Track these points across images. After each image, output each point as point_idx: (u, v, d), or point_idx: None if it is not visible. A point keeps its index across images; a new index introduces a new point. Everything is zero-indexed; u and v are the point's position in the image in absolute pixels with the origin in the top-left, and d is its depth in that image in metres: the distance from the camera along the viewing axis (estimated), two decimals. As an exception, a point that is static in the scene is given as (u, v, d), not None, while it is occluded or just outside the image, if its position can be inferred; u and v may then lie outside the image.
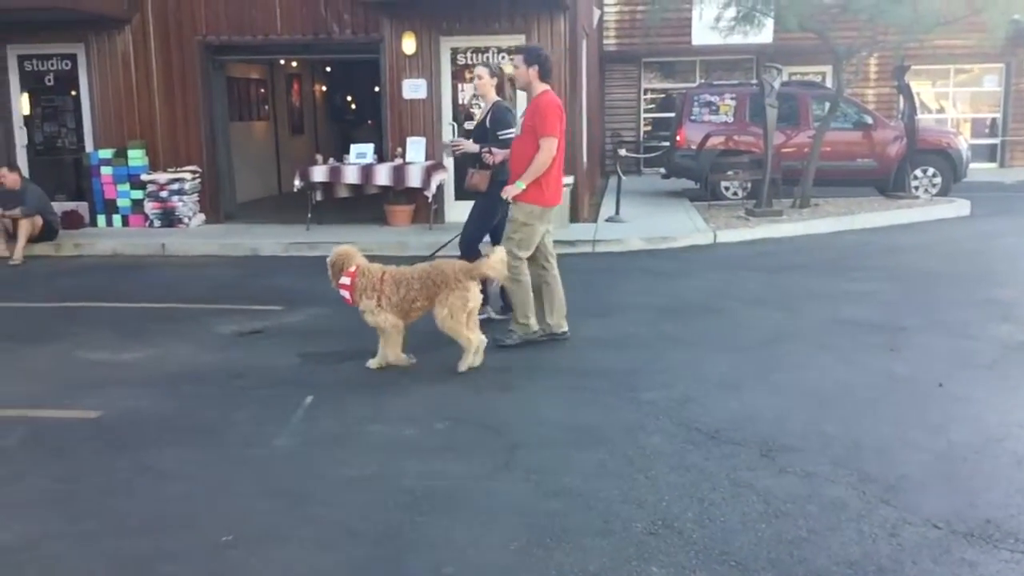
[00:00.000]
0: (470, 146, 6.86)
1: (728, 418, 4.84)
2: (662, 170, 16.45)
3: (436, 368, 5.90)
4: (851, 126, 14.67)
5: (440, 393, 5.38)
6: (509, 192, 6.20)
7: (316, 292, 8.40)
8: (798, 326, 6.93)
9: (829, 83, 18.15)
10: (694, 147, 14.86)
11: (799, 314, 7.31)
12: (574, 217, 11.94)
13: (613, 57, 20.52)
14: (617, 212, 12.52)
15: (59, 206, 11.97)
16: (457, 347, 5.74)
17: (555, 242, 10.81)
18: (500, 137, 6.72)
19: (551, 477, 4.10)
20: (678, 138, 15.24)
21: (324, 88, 19.69)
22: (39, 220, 10.80)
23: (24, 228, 10.54)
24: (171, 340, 6.73)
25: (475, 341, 5.75)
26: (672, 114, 17.87)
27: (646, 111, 21.31)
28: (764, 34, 16.43)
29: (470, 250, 6.82)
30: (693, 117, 15.22)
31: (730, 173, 14.41)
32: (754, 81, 16.23)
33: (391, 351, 5.81)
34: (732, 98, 15.18)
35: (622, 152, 15.49)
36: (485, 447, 4.48)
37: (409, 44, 12.05)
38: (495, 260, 5.72)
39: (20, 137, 12.92)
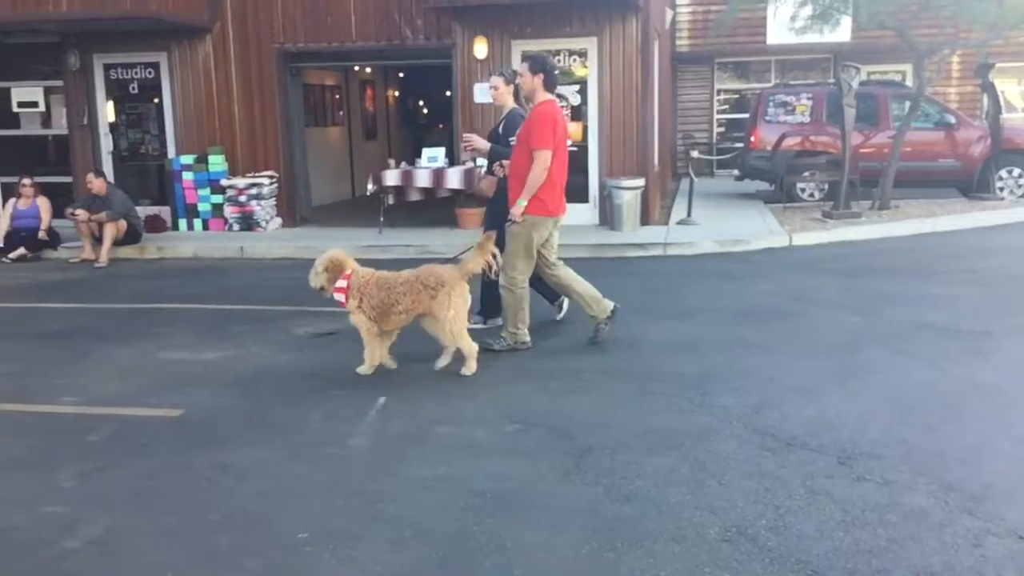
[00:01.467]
0: (480, 142, 6.87)
1: (804, 424, 4.75)
2: (735, 172, 16.22)
3: (506, 370, 5.93)
4: (932, 126, 14.24)
5: (510, 395, 5.40)
6: (514, 213, 6.24)
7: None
8: (877, 330, 6.76)
9: (909, 82, 17.67)
10: (769, 148, 14.60)
11: (878, 318, 7.13)
12: (644, 220, 11.86)
13: (685, 58, 20.32)
14: (689, 214, 12.38)
15: (143, 210, 12.36)
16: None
17: (625, 244, 10.79)
18: (510, 143, 6.73)
19: (622, 481, 4.08)
20: (752, 139, 15.01)
21: (396, 93, 19.95)
22: (124, 224, 11.17)
23: (109, 232, 10.92)
24: (249, 341, 6.89)
25: (475, 346, 5.79)
26: (746, 115, 17.63)
27: (719, 112, 21.04)
28: (841, 32, 16.09)
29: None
30: (768, 118, 14.97)
31: (806, 174, 14.14)
32: (831, 80, 15.91)
33: (372, 352, 5.82)
34: (808, 98, 14.89)
35: (694, 154, 15.32)
36: (555, 450, 4.48)
37: (480, 48, 12.12)
38: (478, 258, 5.74)
39: (106, 144, 13.38)
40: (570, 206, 12.21)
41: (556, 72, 6.36)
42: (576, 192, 12.34)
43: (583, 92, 12.18)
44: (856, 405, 5.06)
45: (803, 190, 14.49)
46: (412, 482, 4.14)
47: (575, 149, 12.24)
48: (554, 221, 6.41)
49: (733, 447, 4.46)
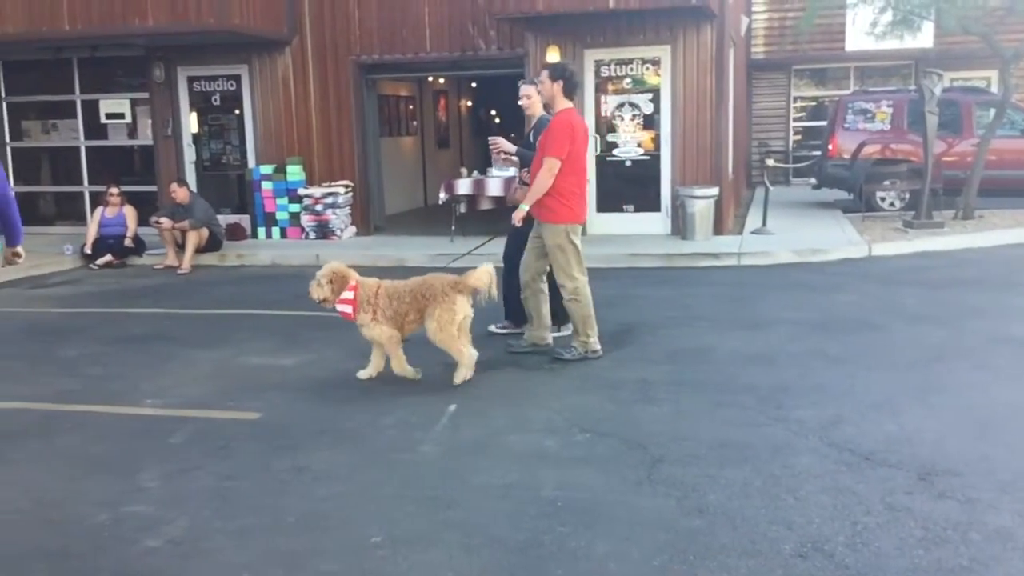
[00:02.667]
0: (507, 145, 6.91)
1: (883, 439, 4.63)
2: (813, 180, 15.91)
3: (576, 380, 5.92)
4: (1020, 133, 13.77)
5: (581, 404, 5.39)
6: (516, 217, 6.27)
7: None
8: (960, 344, 6.56)
9: (994, 88, 17.11)
10: (848, 156, 14.30)
11: (962, 331, 6.92)
12: (718, 229, 11.72)
13: (761, 65, 20.04)
14: (764, 224, 12.20)
15: (223, 219, 12.69)
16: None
17: (698, 254, 10.67)
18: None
19: (694, 494, 4.04)
20: (830, 147, 14.72)
21: (469, 103, 20.11)
22: (205, 232, 11.49)
23: (192, 239, 11.24)
24: (324, 346, 7.02)
25: (467, 354, 5.76)
26: (824, 122, 17.29)
27: (796, 119, 20.69)
28: (923, 38, 15.68)
29: (510, 263, 6.87)
30: (847, 125, 14.67)
31: (887, 183, 13.80)
32: (912, 87, 15.50)
33: (396, 363, 5.86)
34: (889, 105, 14.55)
35: (770, 162, 15.10)
36: (626, 460, 4.46)
37: (553, 58, 12.13)
38: (481, 273, 5.71)
39: (189, 154, 13.79)
40: (641, 215, 12.39)
41: (576, 81, 6.34)
42: (647, 201, 12.31)
43: (655, 100, 12.10)
44: (937, 420, 4.91)
45: (883, 199, 14.14)
46: (482, 489, 4.17)
47: (646, 158, 12.22)
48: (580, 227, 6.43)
49: (809, 461, 4.37)
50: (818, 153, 15.98)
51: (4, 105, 14.42)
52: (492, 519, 3.84)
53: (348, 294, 5.76)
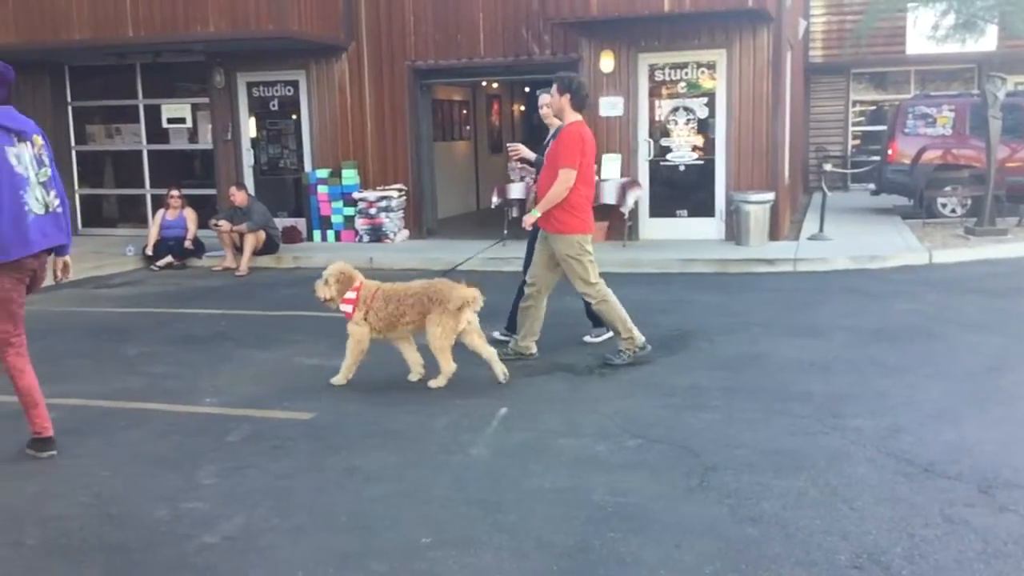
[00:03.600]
0: (526, 151, 6.94)
1: (943, 450, 4.53)
2: (871, 186, 15.64)
3: (628, 385, 5.89)
4: (1088, 138, 13.37)
5: (632, 410, 5.36)
6: (527, 221, 6.31)
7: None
8: (1022, 353, 6.38)
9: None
10: (908, 161, 14.03)
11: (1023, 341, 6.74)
12: (773, 235, 11.58)
13: (819, 68, 19.75)
14: (821, 229, 12.01)
15: (280, 222, 12.89)
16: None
17: (753, 260, 10.55)
18: None
19: (748, 502, 3.99)
20: (890, 152, 14.44)
21: (522, 108, 20.15)
22: (263, 235, 11.68)
23: (249, 242, 11.44)
24: (377, 349, 7.05)
25: (451, 367, 5.82)
26: (883, 127, 16.99)
27: (854, 124, 20.35)
28: (986, 41, 15.33)
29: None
30: (907, 130, 14.38)
31: (948, 189, 13.51)
32: (975, 91, 15.15)
33: (351, 365, 5.98)
34: (951, 109, 14.22)
35: (827, 167, 14.88)
36: (678, 467, 4.42)
37: (607, 62, 12.13)
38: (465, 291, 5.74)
39: (248, 158, 14.04)
40: (694, 220, 12.30)
41: (585, 94, 6.36)
42: (701, 206, 12.21)
43: (710, 104, 12.00)
44: (998, 431, 4.79)
45: (944, 205, 13.83)
46: (533, 493, 4.17)
47: (701, 162, 12.12)
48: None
49: (866, 471, 4.29)
50: (877, 158, 15.70)
51: (70, 109, 14.83)
52: (542, 523, 3.84)
53: (351, 294, 5.91)
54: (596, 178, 11.83)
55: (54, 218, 4.70)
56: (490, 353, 5.95)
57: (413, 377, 6.08)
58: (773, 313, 8.08)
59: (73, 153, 14.94)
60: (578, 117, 6.34)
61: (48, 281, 4.97)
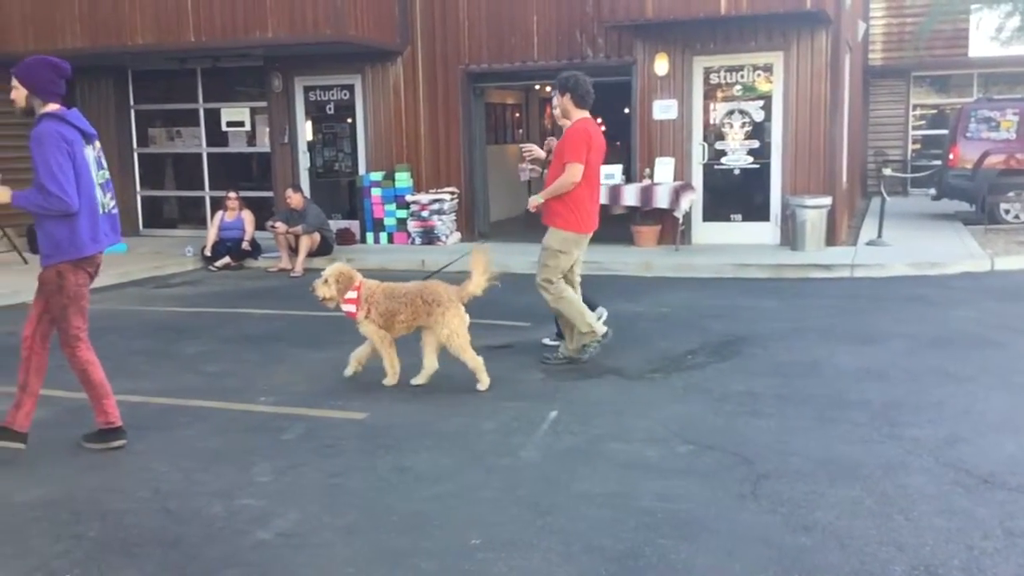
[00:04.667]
0: (539, 151, 6.97)
1: (1004, 461, 4.42)
2: (932, 191, 15.31)
3: (679, 390, 5.85)
4: None
5: (684, 415, 5.32)
6: (531, 203, 6.49)
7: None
8: (1092, 365, 6.20)
9: None
10: (969, 166, 13.71)
11: (1093, 351, 6.54)
12: (830, 240, 11.40)
13: (879, 71, 19.41)
14: (879, 235, 11.80)
15: (334, 224, 13.06)
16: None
17: (809, 265, 10.40)
18: None
19: (801, 511, 3.94)
20: (951, 156, 14.13)
21: (576, 111, 20.11)
22: (317, 237, 11.83)
23: (305, 244, 11.60)
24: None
25: (479, 360, 5.89)
26: (944, 131, 16.62)
27: (915, 128, 19.95)
28: (1054, 43, 14.90)
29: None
30: (969, 134, 14.06)
31: (1011, 194, 13.18)
32: (1042, 94, 14.74)
33: (391, 360, 6.07)
34: (1015, 113, 13.87)
35: (887, 171, 14.59)
36: (730, 474, 4.38)
37: (661, 65, 12.07)
38: (478, 280, 5.93)
39: (304, 161, 14.24)
40: (748, 224, 12.17)
41: (585, 89, 6.34)
42: (756, 210, 12.08)
43: (767, 107, 11.87)
44: (1066, 444, 4.66)
45: (1007, 211, 13.50)
46: (582, 497, 4.16)
47: (756, 166, 11.98)
48: (586, 238, 6.50)
49: (923, 481, 4.21)
50: (938, 163, 15.39)
51: (132, 113, 15.20)
52: (591, 527, 3.83)
53: (352, 294, 6.01)
54: (649, 181, 11.83)
55: (110, 219, 4.85)
56: (478, 363, 5.95)
57: (388, 381, 6.10)
58: (829, 319, 7.96)
59: (135, 155, 15.30)
60: (584, 114, 6.39)
61: None
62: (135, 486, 4.43)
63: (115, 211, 4.91)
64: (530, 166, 7.24)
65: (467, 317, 5.98)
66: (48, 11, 12.85)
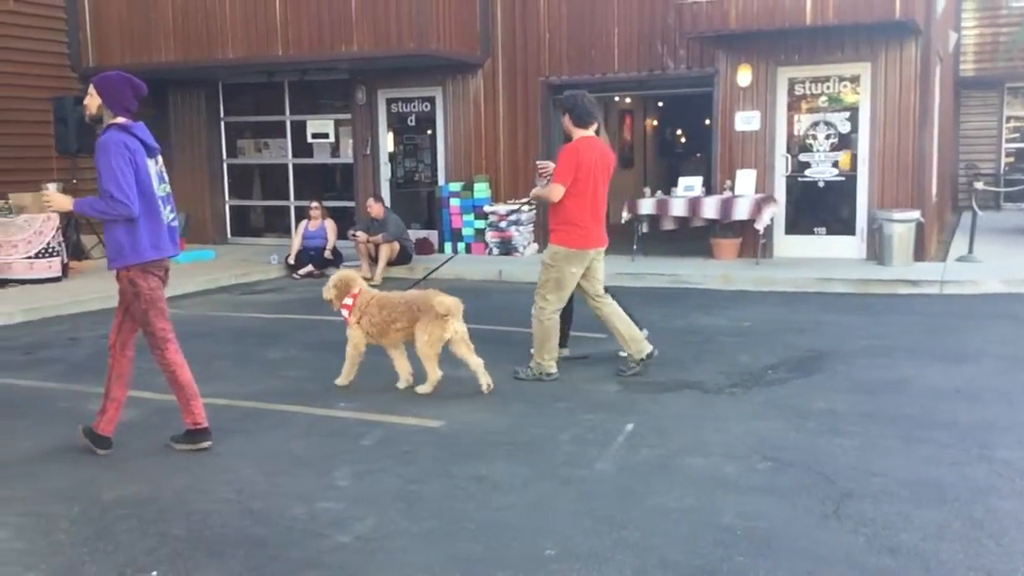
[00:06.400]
0: (552, 167, 6.89)
1: (1104, 488, 4.22)
2: (1027, 205, 14.75)
3: (759, 406, 5.75)
4: None
5: (764, 431, 5.23)
6: (533, 193, 6.75)
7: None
8: None
9: None
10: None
11: None
12: (919, 255, 11.07)
13: (970, 83, 18.80)
14: (970, 250, 11.40)
15: (413, 233, 13.22)
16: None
17: (896, 280, 10.11)
18: None
19: (885, 532, 3.83)
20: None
21: (654, 122, 20.00)
22: (397, 246, 12.01)
23: (384, 253, 11.79)
24: (503, 361, 7.14)
25: (438, 374, 6.09)
26: (1041, 143, 16.00)
27: (1008, 140, 19.25)
28: None
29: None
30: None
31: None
32: None
33: (350, 368, 6.37)
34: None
35: (979, 185, 14.09)
36: (812, 493, 4.28)
37: (744, 76, 11.91)
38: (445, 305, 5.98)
39: (385, 171, 14.48)
40: (833, 239, 11.91)
41: (585, 110, 6.34)
42: (841, 224, 11.81)
43: (853, 119, 11.61)
44: None
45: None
46: (658, 511, 4.12)
47: (841, 179, 11.72)
48: (594, 253, 6.47)
49: (1015, 506, 4.05)
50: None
51: (223, 124, 15.67)
52: (667, 542, 3.79)
53: (349, 300, 6.30)
54: (729, 194, 11.66)
55: (171, 230, 5.01)
56: (476, 363, 6.13)
57: (401, 384, 6.32)
58: (917, 337, 7.72)
59: (224, 166, 15.77)
60: (586, 133, 6.40)
61: None
62: (219, 487, 4.55)
63: (175, 223, 5.06)
64: (544, 182, 7.29)
65: (461, 327, 6.11)
66: (144, 27, 13.38)
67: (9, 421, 5.81)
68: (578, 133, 6.42)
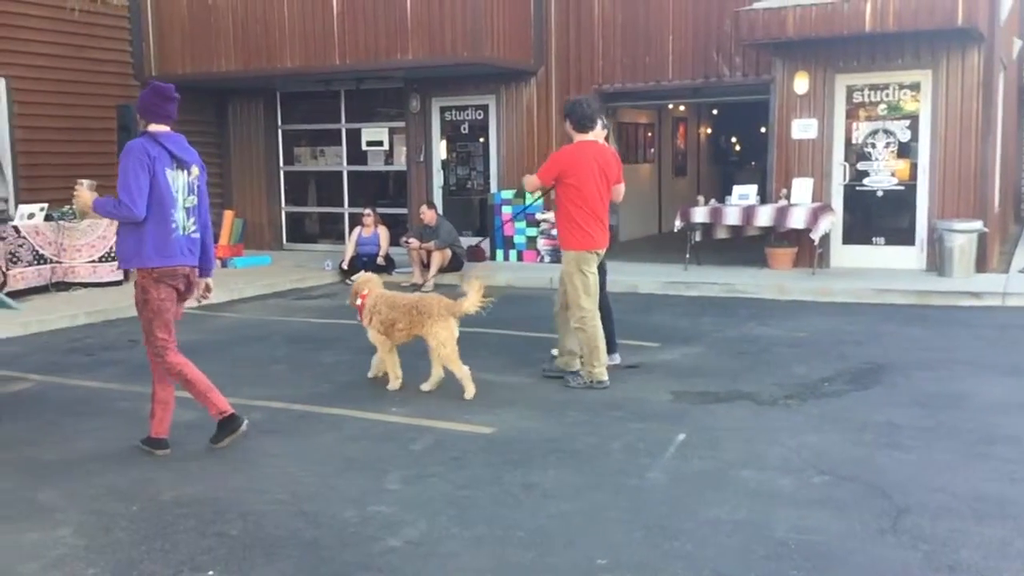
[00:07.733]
0: None
1: None
2: (1095, 216, 14.33)
3: (815, 418, 5.66)
4: None
5: (819, 444, 5.15)
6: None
7: (692, 331, 8.47)
8: None
9: None
10: None
11: None
12: (980, 267, 10.81)
13: (1036, 90, 18.30)
14: (1035, 262, 11.11)
15: (465, 240, 13.28)
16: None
17: (957, 292, 9.90)
18: None
19: (944, 548, 3.74)
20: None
21: (708, 130, 19.85)
22: (449, 253, 12.08)
23: (436, 259, 11.86)
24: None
25: (466, 369, 6.24)
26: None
27: (1076, 149, 18.70)
28: None
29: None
30: None
31: None
32: None
33: (388, 365, 6.55)
34: None
35: (1043, 195, 13.74)
36: (868, 507, 4.20)
37: (801, 83, 11.77)
38: (473, 298, 6.24)
39: (438, 179, 14.59)
40: (892, 249, 11.71)
41: (585, 115, 6.53)
42: (900, 234, 11.59)
43: (913, 127, 11.40)
44: None
45: None
46: (711, 523, 4.08)
47: (901, 188, 11.50)
48: (597, 253, 6.58)
49: (1083, 526, 3.93)
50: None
51: (280, 132, 15.93)
52: (719, 554, 3.75)
53: (359, 300, 6.62)
54: (785, 202, 11.52)
55: (190, 241, 5.08)
56: (464, 373, 6.26)
57: (391, 386, 6.52)
58: (979, 350, 7.54)
59: (281, 173, 16.02)
60: (586, 138, 6.59)
61: (190, 302, 5.39)
62: (274, 488, 4.62)
63: (196, 235, 5.12)
64: None
65: (454, 330, 6.31)
66: (205, 37, 13.68)
67: (73, 421, 5.97)
68: (579, 138, 6.62)
